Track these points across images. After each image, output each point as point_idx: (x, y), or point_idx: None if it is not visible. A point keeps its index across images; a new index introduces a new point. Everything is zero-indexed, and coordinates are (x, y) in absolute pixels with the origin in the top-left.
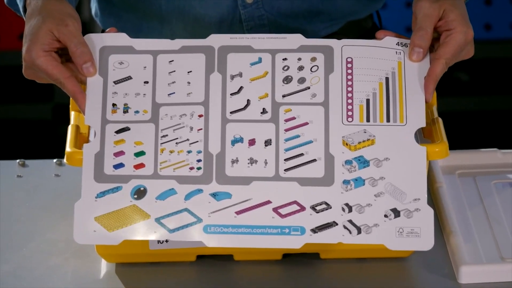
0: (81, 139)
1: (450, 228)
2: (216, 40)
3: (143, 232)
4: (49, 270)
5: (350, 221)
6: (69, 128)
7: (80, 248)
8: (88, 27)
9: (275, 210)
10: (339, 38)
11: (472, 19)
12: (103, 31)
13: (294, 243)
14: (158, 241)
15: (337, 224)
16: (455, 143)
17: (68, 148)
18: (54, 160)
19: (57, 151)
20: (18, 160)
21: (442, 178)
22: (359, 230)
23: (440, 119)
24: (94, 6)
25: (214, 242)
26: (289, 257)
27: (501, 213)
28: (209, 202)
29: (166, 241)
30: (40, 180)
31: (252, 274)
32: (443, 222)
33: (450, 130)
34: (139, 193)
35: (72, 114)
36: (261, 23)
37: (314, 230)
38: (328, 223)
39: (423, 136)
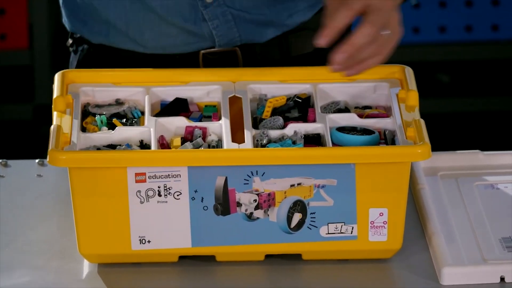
0: (64, 140)
1: (432, 229)
2: None
3: None
4: (31, 271)
5: None
6: (52, 128)
7: (63, 248)
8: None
9: None
10: (310, 33)
11: (452, 21)
12: (71, 35)
13: None
14: (140, 242)
15: None
16: (437, 145)
17: (50, 148)
18: (36, 161)
19: (39, 152)
20: (0, 160)
21: (424, 180)
22: None
23: (422, 121)
24: (62, 11)
25: None
26: (272, 258)
27: (483, 214)
28: None
29: (149, 241)
30: (23, 180)
31: (234, 275)
32: (425, 224)
33: (431, 132)
34: None
35: (55, 114)
36: (226, 19)
37: None
38: None
39: (405, 137)
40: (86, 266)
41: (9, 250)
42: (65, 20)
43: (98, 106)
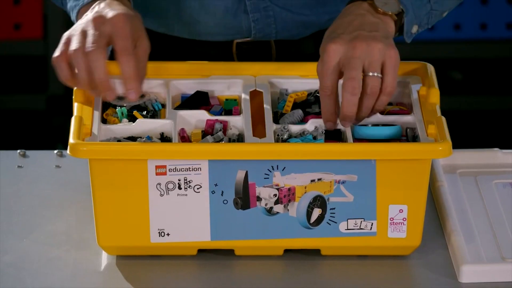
0: (85, 131)
1: (451, 227)
2: None
3: None
4: (49, 261)
5: None
6: (73, 119)
7: (81, 240)
8: None
9: None
10: None
11: (468, 18)
12: None
13: None
14: (160, 234)
15: None
16: (454, 142)
17: (71, 140)
18: (55, 151)
19: (51, 142)
20: (18, 151)
21: (443, 177)
22: None
23: (443, 118)
24: None
25: None
26: (290, 253)
27: (502, 213)
28: None
29: (168, 234)
30: (41, 171)
31: (253, 270)
32: (444, 221)
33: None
34: None
35: (75, 105)
36: (267, 14)
37: None
38: None
39: (426, 134)
40: (104, 258)
41: (28, 241)
42: None
43: (119, 98)
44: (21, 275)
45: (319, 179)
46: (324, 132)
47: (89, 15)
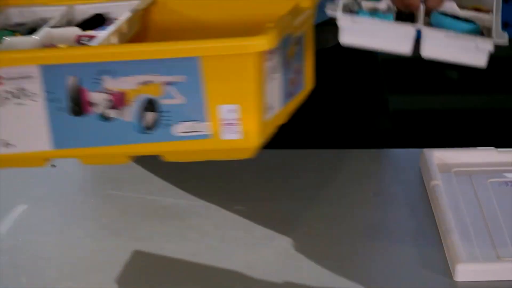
0: None
1: (446, 226)
2: None
3: None
4: None
5: None
6: None
7: None
8: None
9: None
10: (333, 23)
11: None
12: None
13: None
14: (4, 145)
15: None
16: (449, 141)
17: None
18: None
19: None
20: None
21: (439, 176)
22: None
23: None
24: None
25: None
26: None
27: (497, 212)
28: None
29: (13, 145)
30: None
31: None
32: (439, 220)
33: (440, 127)
34: None
35: None
36: None
37: None
38: None
39: None
40: None
41: None
42: None
43: (18, 24)
44: None
45: (149, 81)
46: (396, 12)
47: None
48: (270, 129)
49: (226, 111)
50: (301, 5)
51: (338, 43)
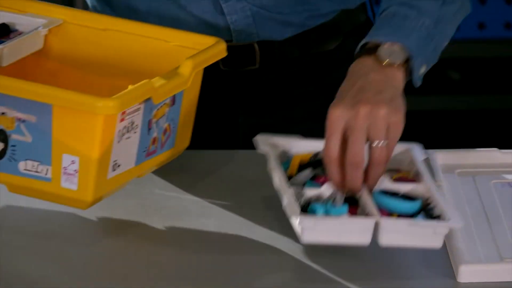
0: None
1: None
2: None
3: None
4: None
5: None
6: None
7: None
8: None
9: None
10: (330, 31)
11: (466, 18)
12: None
13: None
14: None
15: None
16: (452, 142)
17: None
18: None
19: None
20: None
21: (442, 177)
22: None
23: None
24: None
25: None
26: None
27: (500, 213)
28: None
29: None
30: None
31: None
32: None
33: (440, 128)
34: None
35: None
36: (245, 15)
37: None
38: None
39: None
40: None
41: None
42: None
43: None
44: None
45: (3, 113)
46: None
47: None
48: (114, 186)
49: (68, 160)
50: (180, 71)
51: (336, 46)
